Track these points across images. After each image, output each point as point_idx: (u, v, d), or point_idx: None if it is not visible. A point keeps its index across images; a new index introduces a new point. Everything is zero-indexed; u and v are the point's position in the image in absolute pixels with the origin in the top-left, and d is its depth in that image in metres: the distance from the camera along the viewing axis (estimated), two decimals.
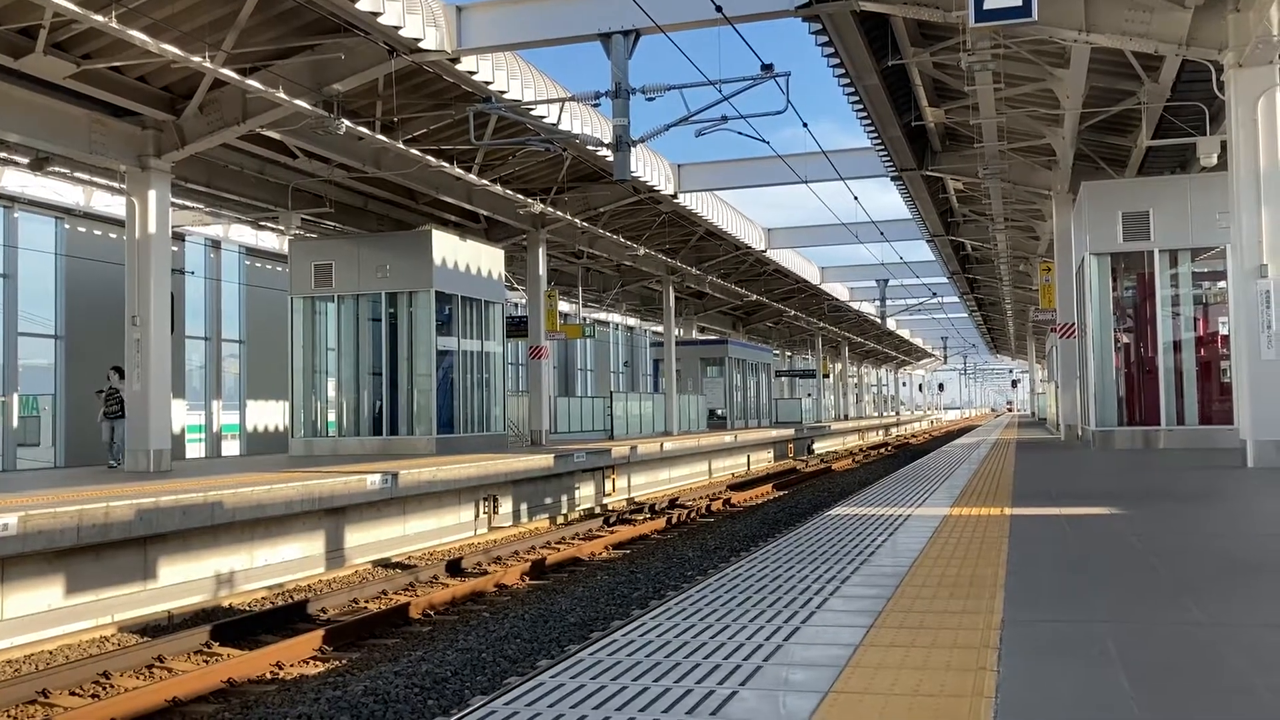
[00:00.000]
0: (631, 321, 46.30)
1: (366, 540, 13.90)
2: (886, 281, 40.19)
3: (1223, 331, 17.10)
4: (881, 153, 20.34)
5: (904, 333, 67.98)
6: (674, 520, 18.04)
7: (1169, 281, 17.46)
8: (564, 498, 19.37)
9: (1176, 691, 3.23)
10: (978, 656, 3.64)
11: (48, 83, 13.82)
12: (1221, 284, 17.23)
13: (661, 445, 24.76)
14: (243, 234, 24.49)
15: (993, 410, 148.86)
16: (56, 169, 17.31)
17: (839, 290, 44.76)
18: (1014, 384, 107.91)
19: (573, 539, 15.87)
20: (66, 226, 20.34)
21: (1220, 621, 4.19)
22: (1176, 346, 17.39)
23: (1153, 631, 4.04)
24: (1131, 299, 18.95)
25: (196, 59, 12.84)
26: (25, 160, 16.60)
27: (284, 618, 10.18)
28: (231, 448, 24.94)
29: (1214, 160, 15.08)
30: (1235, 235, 12.12)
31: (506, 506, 17.23)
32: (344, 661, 8.78)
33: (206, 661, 8.75)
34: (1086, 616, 4.31)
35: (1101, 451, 17.05)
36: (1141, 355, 18.57)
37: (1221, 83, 12.07)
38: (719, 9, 11.78)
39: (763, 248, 32.13)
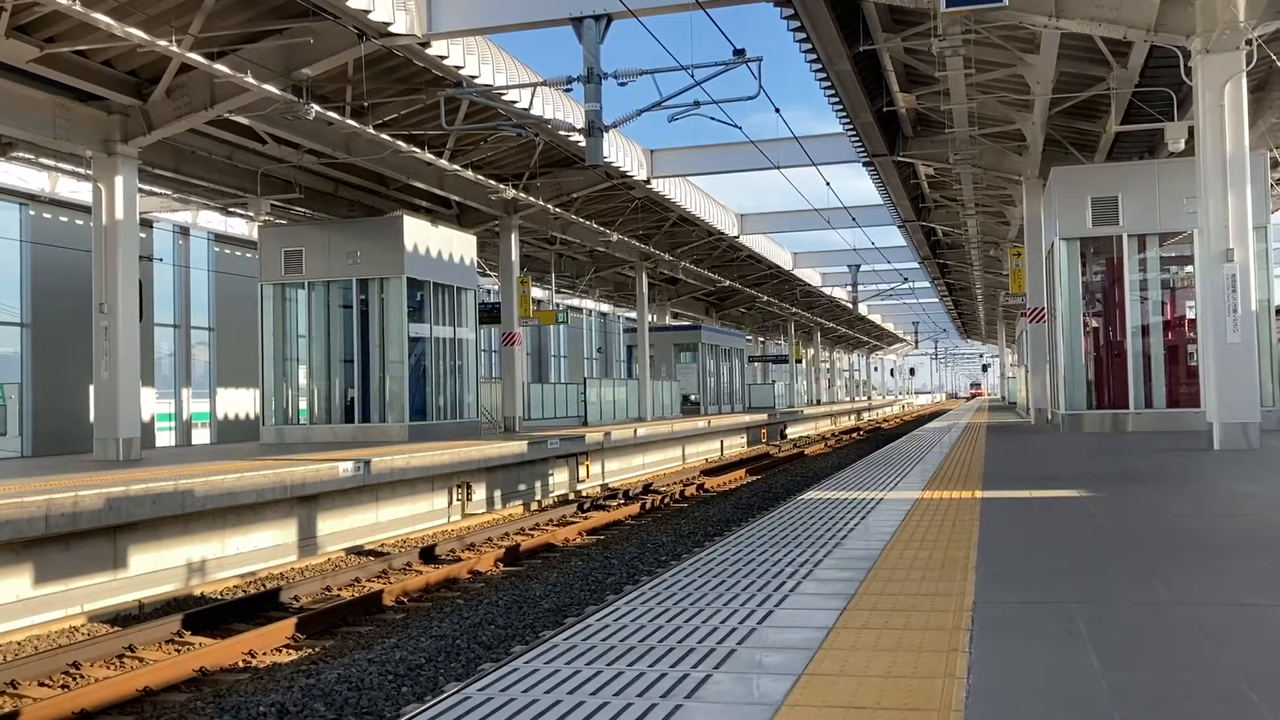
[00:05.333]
0: (605, 307, 46.25)
1: (339, 528, 13.84)
2: (858, 267, 40.36)
3: (1190, 315, 17.29)
4: (853, 138, 20.38)
5: (875, 318, 68.31)
6: (648, 506, 18.07)
7: (1137, 266, 17.63)
8: (538, 484, 19.35)
9: (1145, 668, 3.27)
10: (950, 638, 3.68)
11: (10, 67, 13.60)
12: (1189, 268, 17.42)
13: (635, 431, 24.78)
14: (211, 220, 24.25)
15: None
16: (20, 154, 17.06)
17: (811, 275, 44.88)
18: (984, 368, 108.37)
19: (547, 525, 15.87)
20: (32, 213, 20.07)
21: (1186, 600, 4.25)
22: (1145, 330, 17.58)
23: (1121, 611, 4.09)
24: (1100, 283, 19.13)
25: (163, 43, 12.67)
26: None
27: (256, 606, 10.13)
28: (202, 436, 24.75)
29: (1181, 146, 15.23)
30: (1202, 220, 12.25)
31: (480, 493, 17.20)
32: (317, 649, 8.75)
33: (178, 651, 8.70)
34: (1057, 597, 4.35)
35: (1071, 435, 17.21)
36: (1110, 339, 18.76)
37: (1189, 68, 12.17)
38: None
39: (735, 233, 32.15)
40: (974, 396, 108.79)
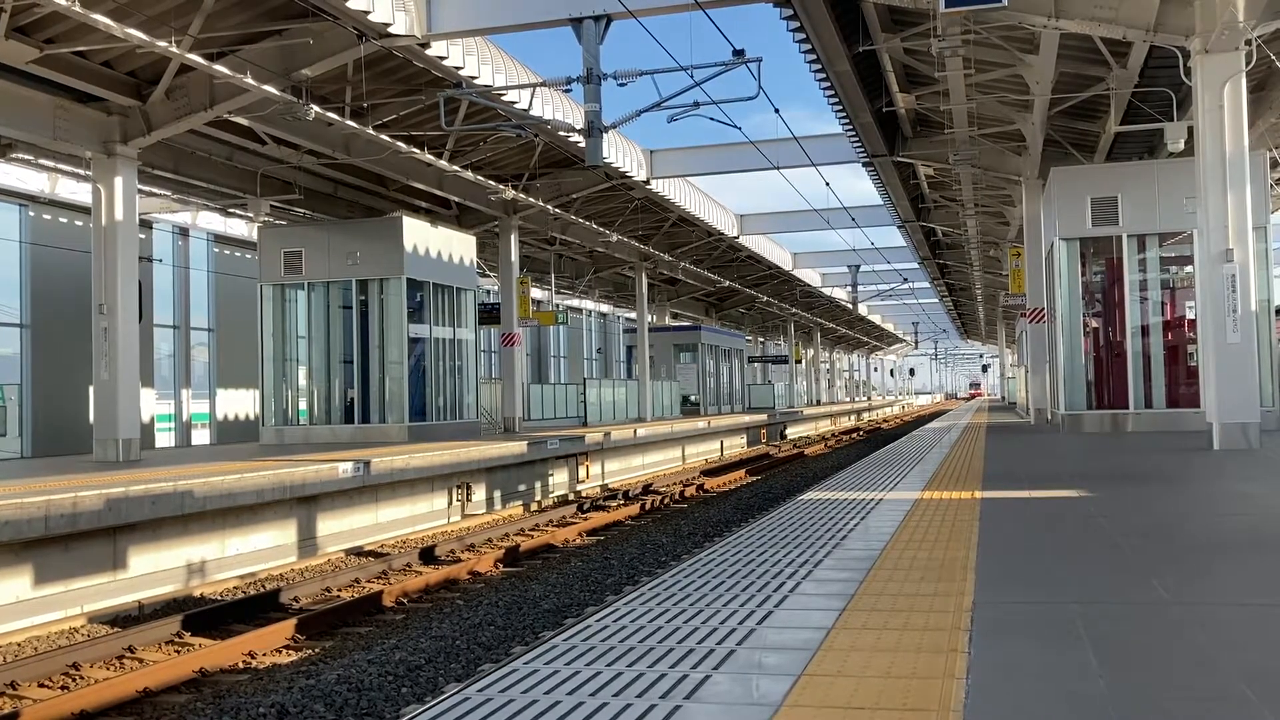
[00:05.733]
0: (604, 308, 46.24)
1: (339, 528, 13.84)
2: (858, 267, 40.35)
3: (1189, 315, 17.29)
4: (853, 139, 20.39)
5: (875, 318, 68.30)
6: (647, 506, 18.07)
7: (1137, 266, 17.63)
8: (537, 485, 19.35)
9: (1144, 668, 3.27)
10: (949, 638, 3.68)
11: (10, 68, 13.60)
12: (1188, 268, 17.42)
13: (635, 431, 24.78)
14: (211, 221, 24.26)
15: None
16: (20, 155, 17.06)
17: (811, 276, 44.88)
18: (984, 369, 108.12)
19: (546, 526, 15.87)
20: (31, 214, 20.08)
21: (1185, 600, 4.25)
22: (1144, 330, 17.57)
23: (1120, 611, 4.09)
24: (1100, 283, 19.12)
25: (162, 44, 12.67)
26: None
27: (256, 607, 10.13)
28: (202, 437, 24.75)
29: (1181, 146, 15.23)
30: (1202, 220, 12.25)
31: (480, 494, 17.20)
32: (317, 650, 8.75)
33: (178, 651, 8.70)
34: (1056, 597, 4.35)
35: (1070, 435, 17.21)
36: (1110, 339, 18.76)
37: (1188, 69, 12.17)
38: None
39: (735, 234, 32.15)
40: (973, 397, 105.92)
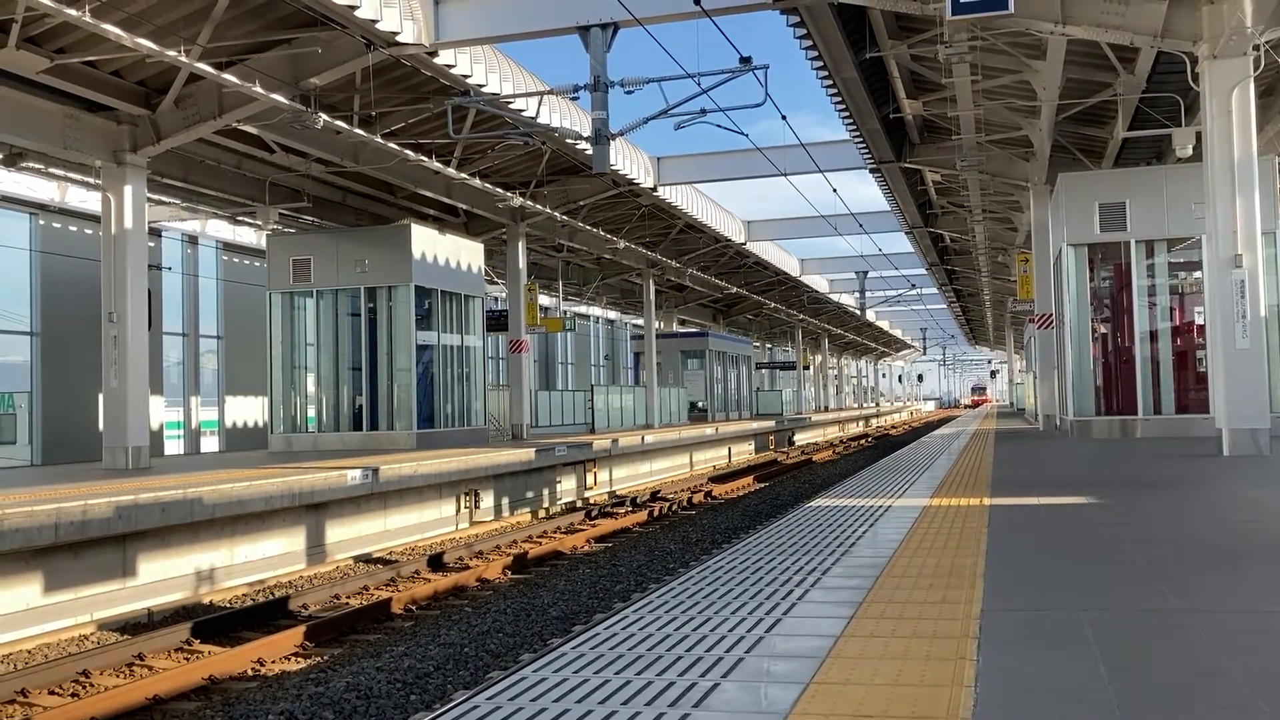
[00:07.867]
0: (612, 315, 46.25)
1: (347, 535, 13.86)
2: (866, 273, 40.32)
3: (1198, 321, 17.24)
4: (860, 145, 20.39)
5: (883, 324, 68.23)
6: (655, 513, 18.06)
7: (1145, 272, 17.59)
8: (545, 491, 19.35)
9: (1152, 677, 3.27)
10: (957, 646, 3.67)
11: (20, 77, 13.68)
12: (1197, 274, 17.38)
13: (642, 438, 24.77)
14: (220, 229, 24.34)
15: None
16: (30, 164, 17.14)
17: (818, 282, 44.86)
18: (993, 374, 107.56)
19: (554, 533, 15.87)
20: (41, 222, 20.17)
21: (1195, 608, 4.24)
22: (1153, 336, 17.54)
23: (1129, 618, 4.08)
24: (1108, 289, 19.09)
25: (171, 53, 12.74)
26: None
27: (265, 614, 10.15)
28: (210, 444, 24.81)
29: (1189, 151, 15.20)
30: (1210, 225, 12.22)
31: (488, 501, 17.21)
32: (326, 657, 8.76)
33: (187, 659, 8.71)
34: (1064, 605, 4.34)
35: (1079, 441, 17.17)
36: (1118, 345, 18.71)
37: (1196, 74, 12.16)
38: (697, 2, 11.78)
39: (742, 240, 32.16)
40: (976, 405, 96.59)
